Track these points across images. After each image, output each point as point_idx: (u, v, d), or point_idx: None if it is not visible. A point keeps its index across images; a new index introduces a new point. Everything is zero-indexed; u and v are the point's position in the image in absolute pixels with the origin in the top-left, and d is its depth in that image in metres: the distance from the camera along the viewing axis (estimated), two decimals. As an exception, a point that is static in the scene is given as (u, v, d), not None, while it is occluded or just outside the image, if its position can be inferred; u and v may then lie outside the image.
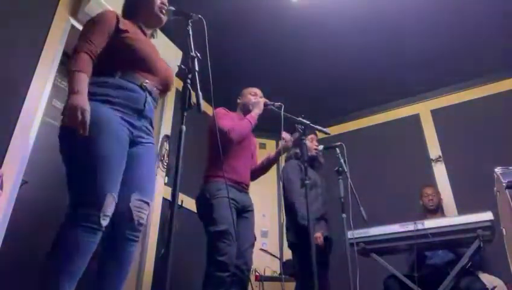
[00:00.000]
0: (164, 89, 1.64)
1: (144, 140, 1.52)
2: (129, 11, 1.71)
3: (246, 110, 2.48)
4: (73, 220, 1.25)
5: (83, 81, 1.32)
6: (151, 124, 1.58)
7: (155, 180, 1.62)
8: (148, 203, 1.47)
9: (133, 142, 1.47)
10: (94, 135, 1.30)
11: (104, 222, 1.28)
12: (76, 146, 1.33)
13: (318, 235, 2.62)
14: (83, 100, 1.27)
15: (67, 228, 1.25)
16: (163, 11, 1.66)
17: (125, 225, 1.39)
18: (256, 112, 2.40)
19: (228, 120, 2.34)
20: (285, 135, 2.41)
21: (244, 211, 2.31)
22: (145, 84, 1.50)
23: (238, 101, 2.59)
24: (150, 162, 1.53)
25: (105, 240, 1.38)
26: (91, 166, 1.30)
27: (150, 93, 1.53)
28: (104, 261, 1.39)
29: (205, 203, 2.20)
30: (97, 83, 1.42)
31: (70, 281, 1.21)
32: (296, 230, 2.66)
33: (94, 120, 1.30)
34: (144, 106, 1.49)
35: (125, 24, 1.55)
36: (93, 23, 1.49)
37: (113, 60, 1.48)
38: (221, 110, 2.43)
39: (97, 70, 1.43)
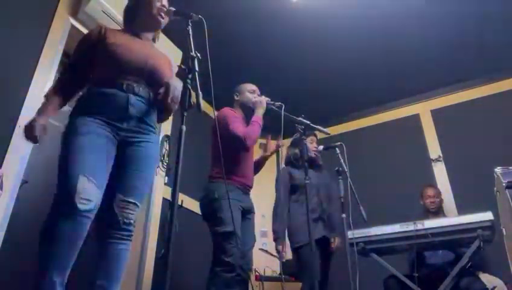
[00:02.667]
0: (155, 86, 1.59)
1: (136, 139, 1.51)
2: (129, 14, 1.72)
3: (246, 108, 2.46)
4: (53, 209, 1.29)
5: (45, 104, 1.52)
6: (146, 122, 1.55)
7: (151, 179, 1.60)
8: (134, 203, 1.46)
9: (122, 143, 1.48)
10: (69, 135, 1.41)
11: (83, 206, 1.27)
12: (61, 148, 1.43)
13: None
14: (36, 120, 1.46)
15: (47, 219, 1.28)
16: (162, 14, 1.66)
17: (110, 225, 1.41)
18: (260, 112, 2.37)
19: (239, 124, 2.32)
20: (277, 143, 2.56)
21: (247, 213, 2.32)
22: (126, 85, 1.51)
23: (236, 98, 2.54)
24: (141, 161, 1.52)
25: (97, 241, 1.40)
26: (63, 158, 1.37)
27: (135, 93, 1.52)
28: (98, 261, 1.39)
29: (213, 203, 2.19)
30: (80, 97, 1.55)
31: (57, 271, 1.22)
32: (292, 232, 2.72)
33: (71, 128, 1.42)
34: (127, 106, 1.49)
35: (107, 33, 1.58)
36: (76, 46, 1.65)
37: (95, 69, 1.55)
38: (229, 112, 2.39)
39: (83, 83, 1.59)
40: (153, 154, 1.58)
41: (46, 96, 1.54)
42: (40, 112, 1.49)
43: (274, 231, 2.70)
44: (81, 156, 1.35)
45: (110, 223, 1.40)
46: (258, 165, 2.60)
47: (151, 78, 1.58)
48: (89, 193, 1.29)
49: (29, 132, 1.45)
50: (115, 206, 1.41)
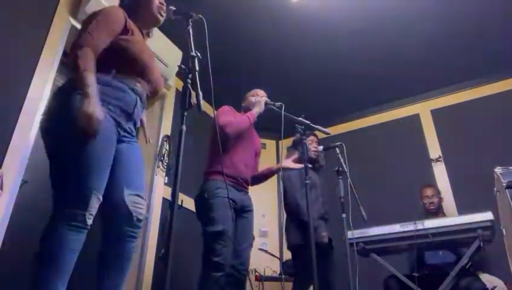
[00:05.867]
0: (153, 95, 1.63)
1: (128, 140, 1.52)
2: (127, 11, 1.71)
3: (248, 111, 2.48)
4: (60, 220, 1.25)
5: (94, 83, 1.30)
6: (135, 127, 1.58)
7: (144, 175, 1.61)
8: (142, 197, 1.47)
9: (119, 142, 1.48)
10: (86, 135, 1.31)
11: (89, 221, 1.28)
12: (65, 145, 1.32)
13: (324, 235, 2.60)
14: (97, 107, 1.27)
15: (54, 228, 1.25)
16: (162, 12, 1.66)
17: (124, 222, 1.39)
18: (256, 110, 2.39)
19: (229, 116, 2.33)
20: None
21: (243, 211, 2.30)
22: (136, 87, 1.51)
23: (243, 104, 2.61)
24: (136, 157, 1.54)
25: (106, 239, 1.38)
26: (80, 165, 1.29)
27: (140, 98, 1.53)
28: (105, 260, 1.38)
29: (203, 202, 2.20)
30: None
31: (61, 281, 1.22)
32: (300, 230, 2.62)
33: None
34: (134, 109, 1.49)
35: (131, 26, 1.55)
36: (101, 20, 1.45)
37: (110, 58, 1.45)
38: (224, 108, 2.43)
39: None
40: (139, 150, 1.58)
41: (90, 71, 1.31)
42: (93, 95, 1.27)
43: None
44: (98, 168, 1.31)
45: (124, 220, 1.39)
46: (263, 177, 2.57)
47: (155, 89, 1.62)
48: (95, 208, 1.30)
49: (94, 130, 1.26)
50: (128, 202, 1.39)
